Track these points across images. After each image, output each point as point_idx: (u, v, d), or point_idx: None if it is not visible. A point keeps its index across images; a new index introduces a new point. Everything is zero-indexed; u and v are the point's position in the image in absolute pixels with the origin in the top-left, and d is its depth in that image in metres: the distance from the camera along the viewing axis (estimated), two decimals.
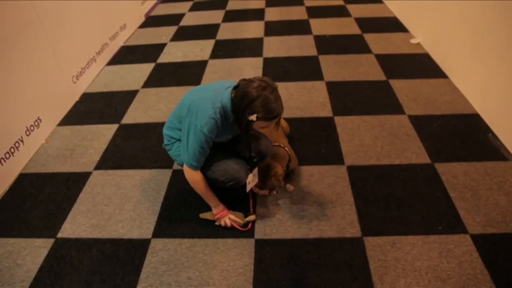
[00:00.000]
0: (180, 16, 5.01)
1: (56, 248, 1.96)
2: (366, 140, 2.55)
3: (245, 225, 2.01)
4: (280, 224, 2.02)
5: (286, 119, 2.65)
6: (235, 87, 1.76)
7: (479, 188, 2.15)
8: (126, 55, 4.02)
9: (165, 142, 2.06)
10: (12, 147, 2.47)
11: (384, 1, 5.00)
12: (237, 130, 1.82)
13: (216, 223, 2.02)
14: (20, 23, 2.59)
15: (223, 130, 1.80)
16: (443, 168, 2.29)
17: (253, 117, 1.64)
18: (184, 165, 1.85)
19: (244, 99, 1.64)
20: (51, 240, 2.01)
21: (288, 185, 2.21)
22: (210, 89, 1.81)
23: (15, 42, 2.52)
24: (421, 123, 2.68)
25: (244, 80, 1.75)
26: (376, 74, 3.32)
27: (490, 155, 2.37)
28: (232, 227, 1.99)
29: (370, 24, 4.33)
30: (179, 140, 1.95)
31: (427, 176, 2.25)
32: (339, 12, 4.79)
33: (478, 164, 2.31)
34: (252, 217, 2.01)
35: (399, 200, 2.10)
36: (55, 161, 2.57)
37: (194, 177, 1.85)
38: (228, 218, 1.97)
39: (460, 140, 2.52)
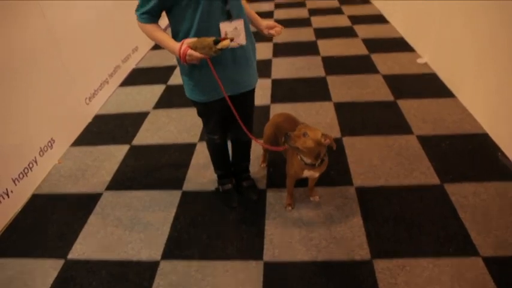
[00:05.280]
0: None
1: (66, 269, 1.98)
2: (375, 160, 2.56)
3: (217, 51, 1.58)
4: (289, 246, 2.01)
5: None
6: None
7: (490, 208, 2.13)
8: (138, 77, 4.11)
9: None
10: (26, 167, 2.52)
11: (390, 22, 5.07)
12: None
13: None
14: (37, 46, 2.68)
15: None
16: (453, 188, 2.28)
17: None
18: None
19: None
20: (61, 261, 2.03)
21: (313, 197, 2.26)
22: None
23: (31, 66, 2.61)
24: (429, 143, 2.68)
25: None
26: (383, 94, 3.35)
27: (501, 175, 2.35)
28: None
29: (377, 45, 4.38)
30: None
31: (436, 197, 2.23)
32: (346, 33, 4.86)
33: (488, 184, 2.29)
34: (226, 43, 1.58)
35: (409, 222, 2.09)
36: (67, 181, 2.62)
37: (142, 29, 1.70)
38: (192, 54, 1.59)
39: (469, 160, 2.50)
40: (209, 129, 2.07)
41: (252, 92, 2.02)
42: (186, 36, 1.68)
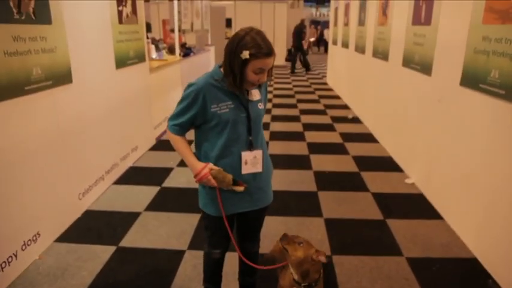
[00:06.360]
0: (189, 143, 5.32)
1: None
2: (364, 282, 2.50)
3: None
4: None
5: None
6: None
7: None
8: (133, 176, 4.18)
9: None
10: (4, 262, 2.42)
11: (380, 141, 5.39)
12: (234, 90, 1.73)
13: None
14: (41, 137, 2.76)
15: (218, 95, 1.75)
16: None
17: (246, 54, 1.61)
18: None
19: (234, 40, 1.65)
20: None
21: None
22: None
23: (31, 156, 2.65)
24: (419, 266, 2.66)
25: None
26: (373, 212, 3.41)
27: None
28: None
29: (367, 163, 4.60)
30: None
31: None
32: (338, 149, 5.13)
33: None
34: (240, 188, 1.81)
35: None
36: (44, 280, 2.50)
37: (169, 136, 1.87)
38: (209, 180, 1.79)
39: (460, 286, 2.47)
40: (212, 243, 2.06)
41: (264, 209, 2.04)
42: (207, 153, 1.82)
